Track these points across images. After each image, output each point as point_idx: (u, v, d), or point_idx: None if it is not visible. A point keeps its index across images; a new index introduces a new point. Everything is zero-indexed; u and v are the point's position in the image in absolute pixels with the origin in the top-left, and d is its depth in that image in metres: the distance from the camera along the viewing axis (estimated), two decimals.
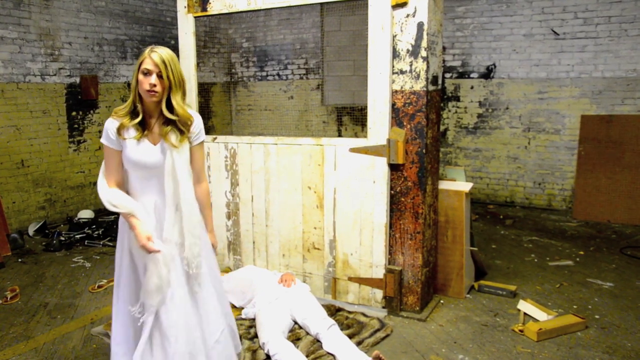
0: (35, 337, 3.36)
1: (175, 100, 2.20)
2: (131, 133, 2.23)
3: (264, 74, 8.38)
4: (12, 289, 4.10)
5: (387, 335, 3.27)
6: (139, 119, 2.22)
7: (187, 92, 4.12)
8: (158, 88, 2.16)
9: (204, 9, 3.96)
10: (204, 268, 2.34)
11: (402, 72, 3.39)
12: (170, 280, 2.21)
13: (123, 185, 2.31)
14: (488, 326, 3.42)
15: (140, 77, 2.17)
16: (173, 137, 2.24)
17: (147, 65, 2.15)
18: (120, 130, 2.22)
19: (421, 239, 3.49)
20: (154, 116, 2.26)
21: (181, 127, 2.25)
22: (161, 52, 2.17)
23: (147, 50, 2.18)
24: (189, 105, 2.32)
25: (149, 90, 2.15)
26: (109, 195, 2.23)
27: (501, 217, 6.32)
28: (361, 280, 3.65)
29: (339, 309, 3.61)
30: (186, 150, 2.29)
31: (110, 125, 2.24)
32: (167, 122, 2.23)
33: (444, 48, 7.01)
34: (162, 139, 2.24)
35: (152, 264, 2.17)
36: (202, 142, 2.40)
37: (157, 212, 2.28)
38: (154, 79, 2.14)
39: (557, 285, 4.12)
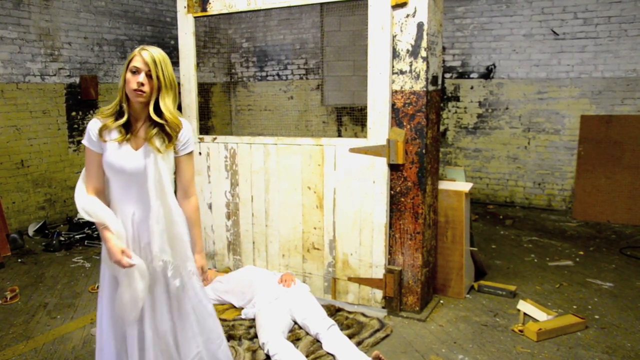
0: (35, 337, 3.35)
1: (164, 103, 2.06)
2: (113, 135, 2.09)
3: (264, 74, 8.38)
4: (12, 289, 4.10)
5: (387, 336, 3.27)
6: (124, 120, 2.08)
7: (187, 93, 4.14)
8: (146, 88, 2.03)
9: (204, 9, 3.96)
10: (187, 286, 2.20)
11: (402, 72, 3.39)
12: (147, 296, 2.10)
13: (103, 192, 2.16)
14: (488, 326, 3.42)
15: (128, 75, 2.04)
16: (158, 141, 2.09)
17: (136, 63, 2.04)
18: (102, 131, 2.09)
19: (421, 239, 3.49)
20: (140, 119, 2.12)
21: (169, 132, 2.10)
22: (152, 51, 2.06)
23: (138, 48, 2.07)
24: (179, 113, 2.17)
25: (136, 90, 2.02)
26: (84, 202, 2.08)
27: (501, 217, 6.32)
28: (361, 281, 3.66)
29: (339, 309, 3.62)
30: (171, 159, 2.15)
31: (93, 125, 2.11)
32: (154, 126, 2.09)
33: (443, 48, 7.01)
34: (145, 143, 2.09)
35: (127, 279, 2.05)
36: (190, 153, 2.22)
37: (136, 224, 2.13)
38: (142, 77, 2.02)
39: (556, 285, 4.12)
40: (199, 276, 2.29)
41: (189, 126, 2.21)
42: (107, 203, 2.16)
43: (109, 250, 2.04)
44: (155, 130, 2.08)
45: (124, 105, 2.09)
